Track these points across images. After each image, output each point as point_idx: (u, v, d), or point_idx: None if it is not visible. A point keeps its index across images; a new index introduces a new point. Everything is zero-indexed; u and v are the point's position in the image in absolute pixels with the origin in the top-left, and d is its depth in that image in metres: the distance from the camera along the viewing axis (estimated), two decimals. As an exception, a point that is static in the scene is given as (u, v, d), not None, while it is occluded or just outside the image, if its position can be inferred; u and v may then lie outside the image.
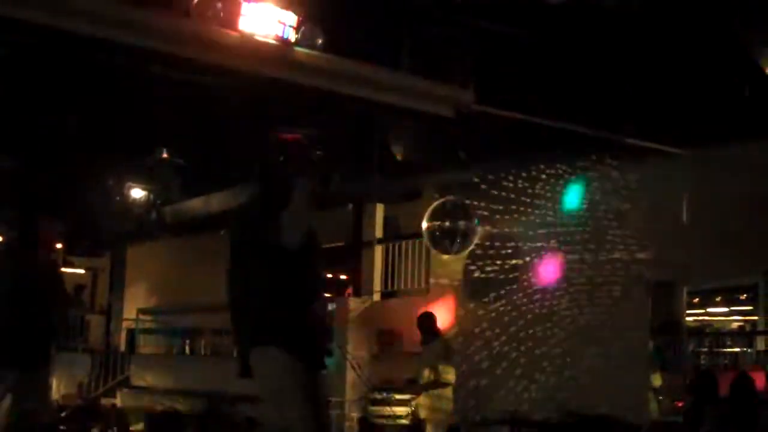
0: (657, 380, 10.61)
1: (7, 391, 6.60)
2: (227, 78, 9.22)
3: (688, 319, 12.72)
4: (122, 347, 19.45)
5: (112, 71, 9.73)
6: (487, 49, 9.29)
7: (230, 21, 8.05)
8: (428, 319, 9.69)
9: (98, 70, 9.70)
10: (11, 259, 7.07)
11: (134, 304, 20.26)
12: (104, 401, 17.09)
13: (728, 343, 13.47)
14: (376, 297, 14.03)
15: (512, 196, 11.57)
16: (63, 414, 15.25)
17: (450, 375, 9.36)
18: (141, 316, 19.95)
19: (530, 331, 11.29)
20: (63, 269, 20.32)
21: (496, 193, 11.54)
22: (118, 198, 14.98)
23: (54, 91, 10.34)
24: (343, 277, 14.28)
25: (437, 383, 9.23)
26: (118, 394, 17.53)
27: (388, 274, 14.11)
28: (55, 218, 8.33)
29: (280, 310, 4.08)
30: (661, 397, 10.59)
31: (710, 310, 14.94)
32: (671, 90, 9.57)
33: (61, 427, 13.17)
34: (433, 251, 11.61)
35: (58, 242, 7.69)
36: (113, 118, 11.17)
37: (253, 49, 8.26)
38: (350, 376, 11.28)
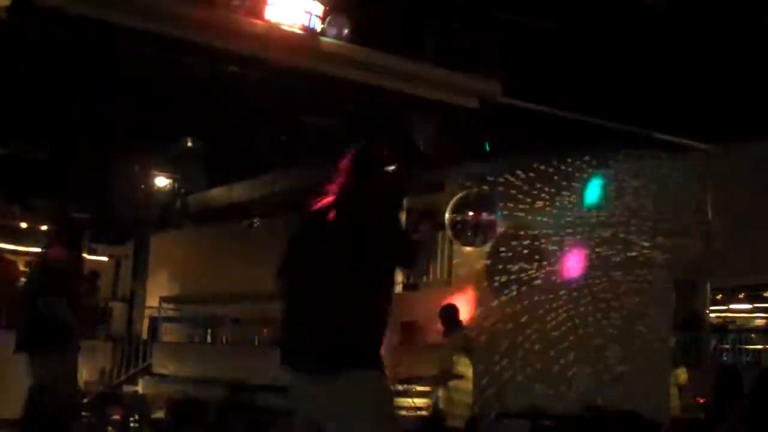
0: (682, 377, 10.56)
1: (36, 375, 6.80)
2: (253, 67, 9.24)
3: (711, 315, 12.65)
4: (144, 335, 19.54)
5: (138, 60, 9.77)
6: (513, 40, 9.26)
7: (256, 10, 8.07)
8: (450, 311, 9.68)
9: (124, 59, 9.75)
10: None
11: (157, 292, 20.35)
12: (126, 388, 17.17)
13: (751, 340, 13.39)
14: (398, 289, 14.02)
15: (536, 189, 11.53)
16: (85, 401, 15.34)
17: (471, 367, 9.35)
18: (163, 305, 20.05)
19: (552, 325, 11.26)
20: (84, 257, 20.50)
21: (520, 185, 11.52)
22: (142, 186, 15.06)
23: (80, 80, 10.39)
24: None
25: (458, 375, 9.22)
26: (140, 382, 17.60)
27: (411, 266, 14.08)
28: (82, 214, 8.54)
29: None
30: (684, 394, 10.54)
31: (733, 306, 14.86)
32: (698, 85, 9.50)
33: (83, 414, 13.24)
34: (456, 243, 11.58)
35: (83, 237, 7.89)
36: (138, 107, 11.21)
37: (279, 38, 8.27)
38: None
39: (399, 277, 14.11)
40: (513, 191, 11.50)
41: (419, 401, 10.53)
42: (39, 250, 10.67)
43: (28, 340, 7.13)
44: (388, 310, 3.98)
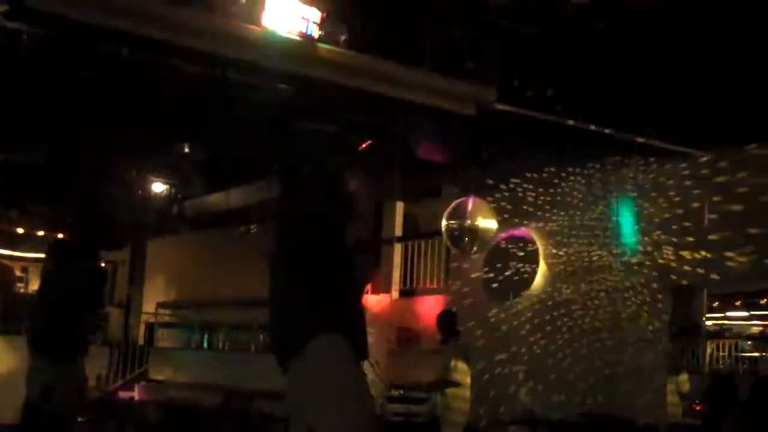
0: (685, 384, 10.55)
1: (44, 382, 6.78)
2: (249, 73, 9.24)
3: (707, 322, 12.65)
4: (141, 341, 19.52)
5: (135, 65, 9.76)
6: (510, 47, 9.27)
7: (254, 16, 8.07)
8: (447, 318, 9.66)
9: (120, 64, 9.74)
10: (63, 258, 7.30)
11: (153, 297, 20.34)
12: (122, 394, 17.16)
13: (747, 347, 13.39)
14: (395, 295, 14.02)
15: (533, 195, 11.54)
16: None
17: (468, 374, 9.33)
18: (160, 310, 20.03)
19: (549, 331, 11.26)
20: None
21: (516, 192, 11.52)
22: (139, 192, 15.06)
23: (77, 86, 10.37)
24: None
25: (455, 382, 9.21)
26: (136, 388, 17.58)
27: (407, 272, 14.11)
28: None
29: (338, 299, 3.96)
30: (685, 401, 10.54)
31: (729, 314, 14.87)
32: (695, 91, 9.51)
33: (79, 419, 13.20)
34: (453, 250, 11.58)
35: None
36: (135, 113, 11.20)
37: (276, 44, 8.26)
38: (368, 373, 11.26)
39: (396, 284, 14.13)
40: (509, 197, 11.51)
41: (416, 408, 10.51)
42: (38, 255, 10.63)
43: (41, 341, 7.09)
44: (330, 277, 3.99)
